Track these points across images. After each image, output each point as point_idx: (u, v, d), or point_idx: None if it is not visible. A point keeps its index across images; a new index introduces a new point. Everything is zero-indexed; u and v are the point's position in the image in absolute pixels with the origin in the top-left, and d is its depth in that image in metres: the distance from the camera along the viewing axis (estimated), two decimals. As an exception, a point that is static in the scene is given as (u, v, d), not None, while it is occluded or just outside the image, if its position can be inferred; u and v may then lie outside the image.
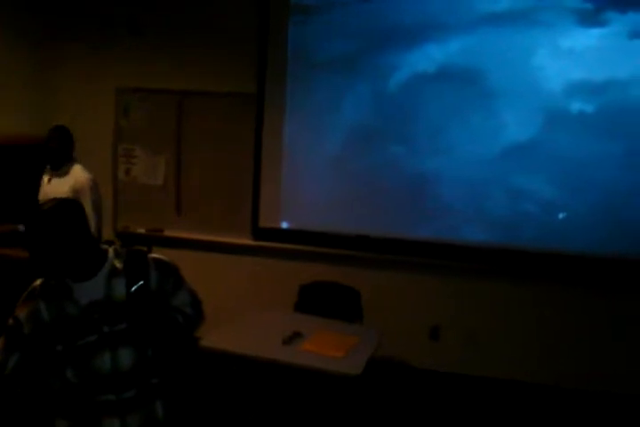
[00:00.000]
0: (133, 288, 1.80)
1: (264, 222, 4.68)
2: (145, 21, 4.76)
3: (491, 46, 4.13)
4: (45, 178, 4.11)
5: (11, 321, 1.82)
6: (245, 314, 3.69)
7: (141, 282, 1.82)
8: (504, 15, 4.09)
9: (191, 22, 4.69)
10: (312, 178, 4.55)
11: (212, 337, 3.13)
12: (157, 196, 4.91)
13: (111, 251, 1.87)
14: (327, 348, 3.13)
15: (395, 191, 4.41)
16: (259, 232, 4.71)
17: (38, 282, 1.85)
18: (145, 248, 2.03)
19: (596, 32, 3.97)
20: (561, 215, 4.17)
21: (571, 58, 4.01)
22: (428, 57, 4.25)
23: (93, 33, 4.88)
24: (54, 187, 4.03)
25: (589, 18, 3.97)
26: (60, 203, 1.78)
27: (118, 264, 1.84)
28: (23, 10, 4.71)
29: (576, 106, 4.05)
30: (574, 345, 4.29)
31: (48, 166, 4.11)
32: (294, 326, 3.37)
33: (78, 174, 4.06)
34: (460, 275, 4.39)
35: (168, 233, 4.85)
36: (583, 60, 3.99)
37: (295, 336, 3.24)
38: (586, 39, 3.98)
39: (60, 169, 4.06)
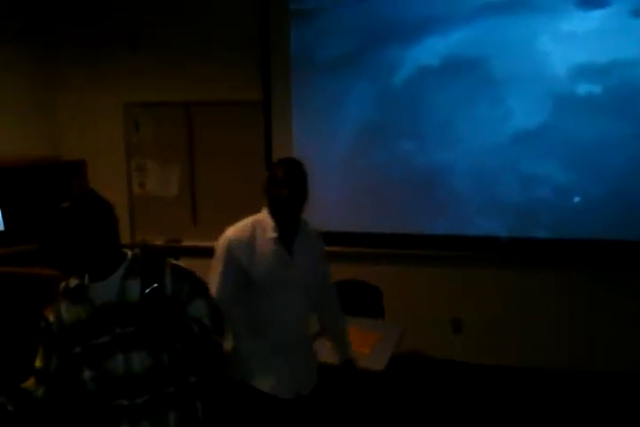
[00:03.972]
0: (147, 291, 1.78)
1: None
2: (146, 34, 4.81)
3: (492, 35, 4.13)
4: (274, 244, 2.39)
5: (42, 323, 1.88)
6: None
7: (155, 285, 1.80)
8: (503, 3, 4.08)
9: (192, 33, 4.73)
10: (324, 178, 4.54)
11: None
12: (173, 207, 4.95)
13: (130, 254, 1.89)
14: (352, 345, 3.13)
15: (407, 187, 4.40)
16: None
17: (63, 284, 1.89)
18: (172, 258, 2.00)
19: (597, 14, 3.96)
20: (575, 200, 4.14)
21: (573, 41, 4.00)
22: (431, 50, 4.25)
23: (95, 49, 4.93)
24: (304, 255, 2.47)
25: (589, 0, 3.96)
26: (80, 200, 1.80)
27: (134, 266, 1.86)
28: (23, 28, 4.76)
29: (583, 89, 4.03)
30: (596, 330, 4.26)
31: (274, 225, 2.40)
32: (317, 324, 3.37)
33: (311, 230, 2.61)
34: (478, 265, 4.39)
35: (186, 243, 4.88)
36: (586, 43, 3.98)
37: (319, 335, 3.24)
38: (587, 22, 3.97)
39: (301, 226, 2.49)
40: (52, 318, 1.87)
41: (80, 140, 5.03)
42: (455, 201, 4.34)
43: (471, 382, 4.20)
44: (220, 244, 2.44)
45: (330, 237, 4.60)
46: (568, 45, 4.01)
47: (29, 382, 1.89)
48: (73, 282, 1.86)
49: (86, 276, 1.85)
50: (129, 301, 1.82)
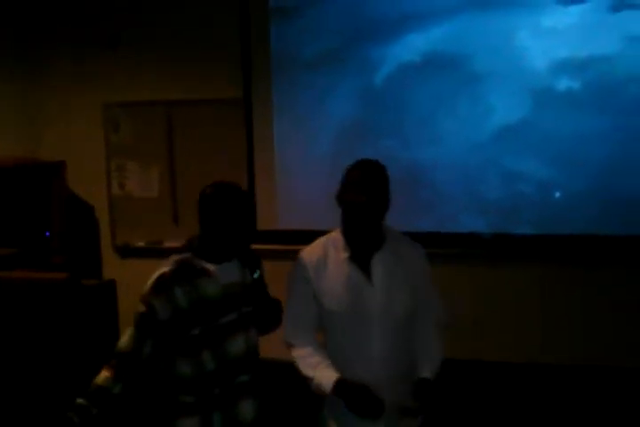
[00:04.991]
0: (257, 274, 1.94)
1: (262, 225, 4.65)
2: (125, 34, 4.75)
3: (472, 31, 4.12)
4: (346, 266, 2.04)
5: (143, 309, 1.87)
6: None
7: (259, 269, 1.97)
8: (483, -1, 4.07)
9: (172, 32, 4.70)
10: (307, 177, 4.52)
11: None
12: (154, 208, 4.90)
13: None
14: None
15: (390, 184, 4.37)
16: (258, 235, 4.68)
17: (166, 269, 1.91)
18: None
19: (576, 9, 3.96)
20: (557, 195, 4.15)
21: (553, 37, 4.00)
22: (412, 47, 4.24)
23: (74, 50, 4.88)
24: (389, 275, 2.06)
25: (568, -5, 3.97)
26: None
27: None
28: (3, 29, 4.72)
29: (563, 84, 4.03)
30: (579, 324, 4.26)
31: (344, 242, 2.07)
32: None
33: (405, 245, 2.21)
34: (462, 262, 4.37)
35: (168, 244, 4.83)
36: (566, 38, 3.98)
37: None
38: (567, 17, 3.97)
39: (385, 239, 2.11)
40: (158, 303, 1.85)
41: (59, 141, 4.97)
42: (438, 198, 4.32)
43: (458, 378, 4.18)
44: (292, 267, 2.12)
45: (313, 237, 4.61)
46: (548, 41, 4.01)
47: (103, 377, 1.86)
48: (198, 263, 1.93)
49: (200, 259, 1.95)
50: (247, 282, 1.97)
